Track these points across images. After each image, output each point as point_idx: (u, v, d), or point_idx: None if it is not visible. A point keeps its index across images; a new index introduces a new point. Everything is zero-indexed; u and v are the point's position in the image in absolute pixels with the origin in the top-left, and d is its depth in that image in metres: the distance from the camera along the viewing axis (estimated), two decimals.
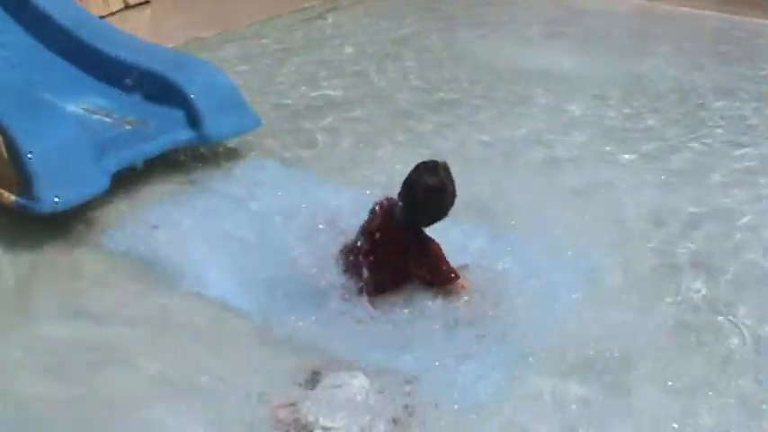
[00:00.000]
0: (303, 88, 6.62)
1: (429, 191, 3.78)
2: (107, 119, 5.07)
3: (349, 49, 7.64)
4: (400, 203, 3.88)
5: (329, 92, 6.60)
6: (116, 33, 6.00)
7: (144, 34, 6.84)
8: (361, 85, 6.78)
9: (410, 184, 3.81)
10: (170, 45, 6.78)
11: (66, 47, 5.74)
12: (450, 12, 9.05)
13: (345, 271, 3.99)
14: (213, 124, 5.14)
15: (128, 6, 8.29)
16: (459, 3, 9.46)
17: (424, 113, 6.30)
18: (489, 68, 7.29)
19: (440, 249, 3.90)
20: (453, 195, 3.84)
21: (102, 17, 7.31)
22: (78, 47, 5.71)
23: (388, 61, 7.33)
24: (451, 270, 3.92)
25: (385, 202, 4.02)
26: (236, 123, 5.33)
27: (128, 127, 4.95)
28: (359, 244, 3.98)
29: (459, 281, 3.94)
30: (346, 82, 6.83)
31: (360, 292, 3.90)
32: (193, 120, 5.11)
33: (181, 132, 5.07)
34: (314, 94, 6.52)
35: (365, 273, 3.90)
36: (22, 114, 4.62)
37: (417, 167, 3.85)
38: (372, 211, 4.04)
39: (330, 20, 8.53)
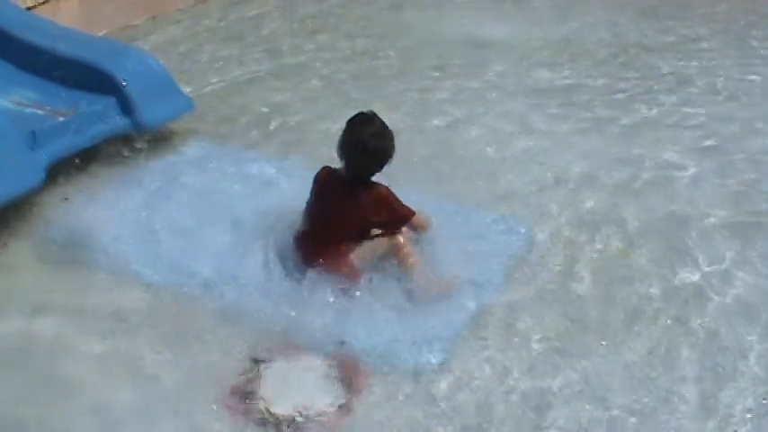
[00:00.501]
0: (235, 69, 6.64)
1: (374, 138, 3.85)
2: (39, 111, 4.99)
3: (279, 27, 7.67)
4: (342, 161, 3.92)
5: (263, 71, 6.62)
6: (44, 24, 5.92)
7: (73, 23, 6.75)
8: (294, 63, 6.80)
9: (353, 138, 3.87)
10: (100, 33, 6.75)
11: None
12: None
13: (298, 253, 4.02)
14: (147, 110, 5.09)
15: None
16: None
17: (359, 86, 6.31)
18: (413, 38, 7.38)
19: (390, 191, 3.95)
20: (393, 137, 3.92)
21: (29, 8, 7.21)
22: (5, 39, 5.61)
23: (321, 36, 7.38)
24: (406, 207, 3.98)
25: (325, 170, 4.07)
26: (170, 108, 5.29)
27: (61, 118, 4.87)
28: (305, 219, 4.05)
29: (417, 216, 4.00)
30: (278, 60, 6.86)
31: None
32: (127, 107, 5.07)
33: (115, 121, 5.02)
34: (247, 74, 6.53)
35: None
36: None
37: (351, 122, 3.93)
38: (315, 182, 4.08)
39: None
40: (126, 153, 5.06)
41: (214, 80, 6.38)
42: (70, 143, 4.80)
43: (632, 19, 7.99)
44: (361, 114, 3.95)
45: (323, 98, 6.04)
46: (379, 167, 3.92)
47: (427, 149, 5.27)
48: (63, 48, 5.40)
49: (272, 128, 5.63)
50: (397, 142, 3.90)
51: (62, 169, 4.75)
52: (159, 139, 5.28)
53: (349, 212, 3.93)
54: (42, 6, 7.77)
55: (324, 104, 5.93)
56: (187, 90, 5.60)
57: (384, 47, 7.10)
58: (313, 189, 4.07)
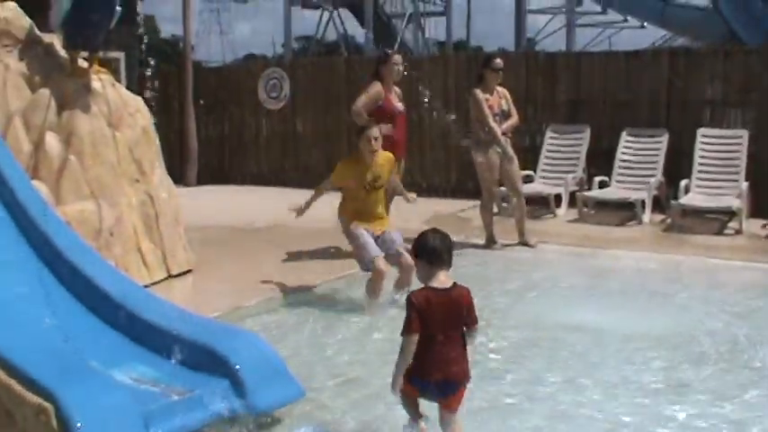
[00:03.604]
0: (347, 356, 6.64)
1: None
2: (154, 388, 5.11)
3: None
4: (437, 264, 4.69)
5: (378, 359, 6.58)
6: (161, 304, 6.17)
7: (187, 302, 7.02)
8: None
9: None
10: (213, 313, 6.94)
11: (114, 316, 5.89)
12: (481, 275, 9.27)
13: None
14: (259, 395, 5.14)
15: (171, 275, 8.56)
16: (488, 263, 9.82)
17: None
18: (518, 326, 7.41)
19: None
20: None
21: (146, 286, 7.54)
22: (125, 316, 5.86)
23: None
24: None
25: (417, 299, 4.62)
26: (281, 394, 5.32)
27: (175, 397, 4.97)
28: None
29: None
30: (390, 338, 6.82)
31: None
32: (239, 390, 5.13)
33: (227, 403, 5.05)
34: (361, 360, 6.52)
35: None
36: (72, 383, 4.69)
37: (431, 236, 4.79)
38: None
39: None
40: None
41: (328, 367, 6.37)
42: (183, 423, 4.83)
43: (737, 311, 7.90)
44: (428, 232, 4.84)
45: None
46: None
47: None
48: (179, 328, 5.59)
49: (384, 413, 5.53)
50: None
51: None
52: (270, 423, 5.27)
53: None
54: (158, 285, 8.15)
55: None
56: (298, 374, 5.63)
57: (493, 337, 7.08)
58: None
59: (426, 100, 13.35)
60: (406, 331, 4.52)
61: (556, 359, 6.61)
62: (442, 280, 4.65)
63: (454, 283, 4.70)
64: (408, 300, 4.59)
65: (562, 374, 6.27)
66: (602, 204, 12.63)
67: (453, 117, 13.40)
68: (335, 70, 16.53)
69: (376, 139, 7.71)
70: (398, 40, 33.18)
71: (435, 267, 4.65)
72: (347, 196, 7.96)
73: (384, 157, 7.93)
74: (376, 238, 7.82)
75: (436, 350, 4.55)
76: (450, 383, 4.62)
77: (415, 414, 4.78)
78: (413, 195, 8.16)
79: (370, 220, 7.86)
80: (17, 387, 4.71)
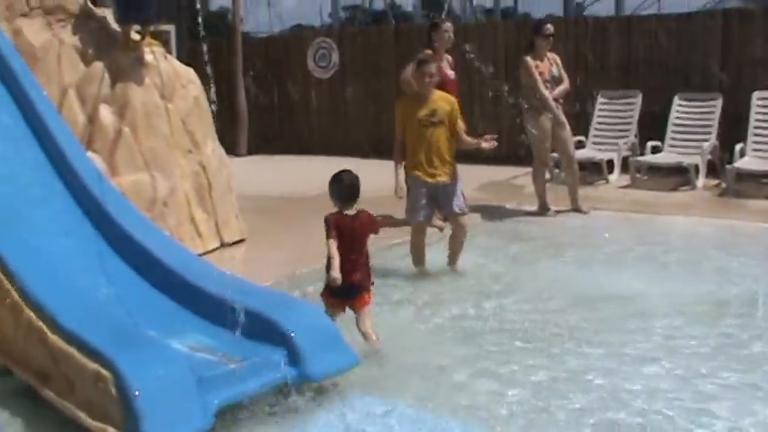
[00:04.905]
0: (400, 322, 6.66)
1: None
2: (210, 357, 5.18)
3: (442, 286, 7.76)
4: (344, 202, 6.10)
5: (429, 325, 6.64)
6: (216, 272, 6.22)
7: (240, 271, 7.09)
8: (468, 322, 6.81)
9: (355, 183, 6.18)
10: (267, 281, 7.01)
11: (171, 285, 5.95)
12: (533, 242, 9.27)
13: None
14: (314, 363, 5.18)
15: (224, 245, 8.64)
16: (541, 230, 9.79)
17: (510, 348, 6.21)
18: (571, 294, 7.35)
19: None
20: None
21: (200, 255, 7.61)
22: (182, 285, 5.92)
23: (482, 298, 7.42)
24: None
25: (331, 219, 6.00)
26: (336, 362, 5.35)
27: (231, 365, 5.02)
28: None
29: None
30: (446, 316, 6.89)
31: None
32: (294, 358, 5.17)
33: (282, 371, 5.11)
34: (417, 328, 6.54)
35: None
36: (130, 351, 4.79)
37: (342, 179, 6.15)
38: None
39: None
40: (289, 402, 5.10)
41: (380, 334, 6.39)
42: (239, 390, 4.90)
43: None
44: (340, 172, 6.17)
45: (491, 358, 5.98)
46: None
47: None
48: (235, 296, 5.61)
49: (439, 386, 5.55)
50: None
51: (226, 414, 4.84)
52: (324, 390, 5.31)
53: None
54: (211, 254, 8.23)
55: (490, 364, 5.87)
56: (351, 342, 5.66)
57: (540, 307, 7.07)
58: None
59: (477, 64, 13.24)
60: (327, 237, 5.94)
61: (609, 326, 6.58)
62: (349, 209, 6.09)
63: (357, 211, 6.12)
64: (325, 219, 5.99)
65: (610, 341, 6.26)
66: (654, 169, 12.51)
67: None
68: (384, 39, 16.49)
69: (432, 75, 7.63)
70: (446, 8, 32.92)
71: (346, 204, 6.09)
72: (407, 141, 7.78)
73: (442, 96, 7.79)
74: (434, 191, 7.75)
75: (342, 261, 5.87)
76: (355, 286, 5.99)
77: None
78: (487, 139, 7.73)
79: (428, 163, 7.68)
80: (77, 355, 4.82)
